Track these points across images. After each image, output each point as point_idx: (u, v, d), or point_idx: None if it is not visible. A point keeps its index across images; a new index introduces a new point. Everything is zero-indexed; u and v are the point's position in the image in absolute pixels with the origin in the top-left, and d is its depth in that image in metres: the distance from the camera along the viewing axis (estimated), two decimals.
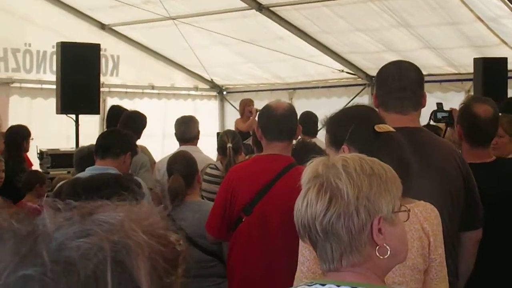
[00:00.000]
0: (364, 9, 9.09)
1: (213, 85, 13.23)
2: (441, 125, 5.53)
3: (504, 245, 3.84)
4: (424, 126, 4.28)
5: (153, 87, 12.49)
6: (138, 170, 6.06)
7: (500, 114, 4.24)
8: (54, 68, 9.32)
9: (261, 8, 9.76)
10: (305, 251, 2.46)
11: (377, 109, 3.21)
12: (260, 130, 4.18)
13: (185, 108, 11.80)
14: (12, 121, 8.69)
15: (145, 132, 6.94)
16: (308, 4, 9.37)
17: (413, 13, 8.95)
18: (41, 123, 9.78)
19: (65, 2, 11.04)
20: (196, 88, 13.14)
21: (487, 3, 8.26)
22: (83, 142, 7.13)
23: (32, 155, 8.21)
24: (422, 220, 2.54)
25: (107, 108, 8.85)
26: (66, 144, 9.32)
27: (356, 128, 2.64)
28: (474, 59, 7.99)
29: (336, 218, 1.76)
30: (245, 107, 10.60)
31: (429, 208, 2.60)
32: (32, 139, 7.74)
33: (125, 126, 6.17)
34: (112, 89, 11.81)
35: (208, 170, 5.84)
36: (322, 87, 11.65)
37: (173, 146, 6.75)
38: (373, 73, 9.36)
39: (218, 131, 10.64)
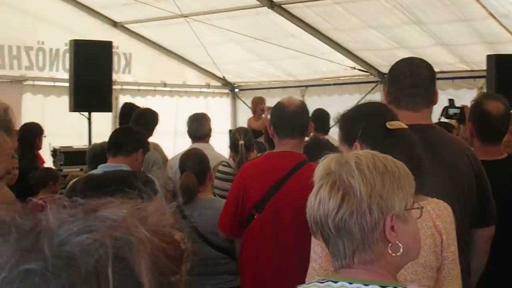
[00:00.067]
0: (376, 6, 9.07)
1: (225, 83, 13.24)
2: (453, 122, 5.51)
3: None
4: (436, 123, 4.27)
5: (165, 85, 12.51)
6: (150, 167, 6.07)
7: None
8: (67, 66, 9.37)
9: (273, 5, 9.75)
10: (317, 248, 2.47)
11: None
12: (272, 127, 4.18)
13: (197, 105, 11.81)
14: (25, 118, 8.73)
15: (157, 129, 6.96)
16: (320, 1, 9.35)
17: (425, 10, 8.92)
18: (54, 121, 9.81)
19: (78, 0, 11.07)
20: (208, 86, 13.15)
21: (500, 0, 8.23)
22: (96, 140, 7.16)
23: (45, 153, 8.25)
24: (435, 218, 2.54)
25: (120, 105, 8.88)
26: (79, 141, 9.36)
27: (367, 125, 2.64)
28: (487, 55, 7.95)
29: (349, 216, 1.76)
30: (257, 105, 10.61)
31: (442, 206, 2.59)
32: (45, 136, 7.77)
33: (137, 124, 6.19)
34: (124, 87, 11.84)
35: (220, 168, 5.85)
36: (334, 84, 11.62)
37: (185, 143, 6.77)
38: (385, 70, 9.33)
39: (230, 128, 10.65)
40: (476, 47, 9.30)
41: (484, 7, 8.41)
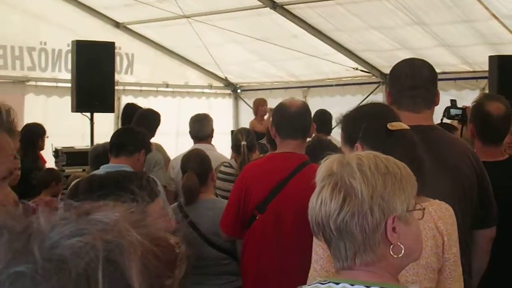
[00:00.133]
0: (378, 7, 9.07)
1: (227, 83, 13.24)
2: (455, 123, 5.50)
3: None
4: (438, 124, 4.27)
5: (167, 85, 12.52)
6: (152, 168, 6.08)
7: None
8: (69, 67, 9.38)
9: (275, 6, 9.75)
10: (318, 249, 2.47)
11: None
12: (274, 128, 4.18)
13: (199, 106, 11.83)
14: (28, 119, 8.73)
15: (159, 130, 6.96)
16: (322, 2, 9.35)
17: (428, 11, 8.92)
18: (56, 121, 9.83)
19: (80, 1, 11.08)
20: (210, 86, 13.16)
21: (502, 0, 8.22)
22: (98, 140, 7.17)
23: (47, 153, 8.26)
24: (436, 219, 2.54)
25: (122, 106, 8.89)
26: (81, 142, 9.37)
27: (369, 126, 2.64)
28: (489, 56, 7.93)
29: (350, 217, 1.75)
30: (259, 106, 10.62)
31: (444, 207, 2.59)
32: (48, 137, 7.79)
33: (139, 124, 6.19)
34: (126, 87, 11.85)
35: (222, 168, 5.85)
36: (336, 85, 11.62)
37: (187, 144, 6.77)
38: (387, 71, 9.28)
39: (232, 129, 10.65)
40: (479, 48, 9.29)
41: (486, 8, 8.41)
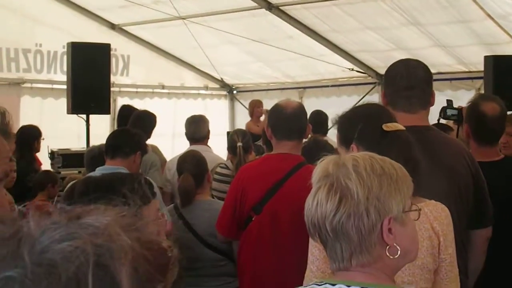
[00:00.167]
0: (374, 7, 9.07)
1: (223, 84, 13.24)
2: (451, 123, 5.51)
3: None
4: (434, 124, 4.28)
5: (163, 87, 12.51)
6: (148, 169, 6.07)
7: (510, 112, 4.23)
8: (65, 68, 9.37)
9: (270, 7, 9.75)
10: (314, 250, 2.47)
11: None
12: (270, 129, 4.18)
13: (195, 107, 11.82)
14: (23, 121, 8.73)
15: (155, 131, 6.95)
16: (318, 3, 9.35)
17: (423, 11, 8.93)
18: (52, 123, 9.82)
19: (75, 2, 11.07)
20: (206, 88, 13.16)
21: (497, 1, 8.23)
22: (94, 142, 7.15)
23: (43, 155, 8.25)
24: (432, 220, 2.54)
25: (118, 108, 8.87)
26: (77, 144, 9.35)
27: (364, 127, 2.64)
28: (485, 57, 7.94)
29: (346, 218, 1.76)
30: (254, 108, 10.62)
31: (440, 208, 2.59)
32: (43, 139, 7.78)
33: (134, 126, 6.18)
34: (122, 89, 11.84)
35: (219, 170, 5.85)
36: (332, 86, 11.63)
37: (183, 145, 6.77)
38: (383, 71, 9.27)
39: (228, 130, 10.65)
40: (474, 48, 9.31)
41: (481, 8, 8.42)
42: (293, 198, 3.73)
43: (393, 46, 9.87)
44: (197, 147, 5.92)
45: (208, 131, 6.51)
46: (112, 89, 9.33)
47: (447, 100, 5.15)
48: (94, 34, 10.74)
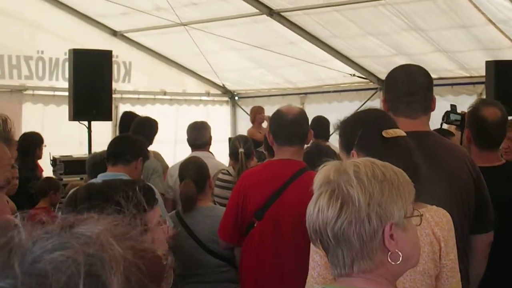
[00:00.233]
0: (375, 13, 9.08)
1: (225, 91, 13.25)
2: (453, 128, 5.51)
3: None
4: (435, 129, 4.27)
5: (165, 93, 12.52)
6: (150, 175, 6.07)
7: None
8: (67, 75, 9.37)
9: (272, 13, 9.76)
10: (315, 256, 2.47)
11: None
12: (271, 135, 4.19)
13: (197, 113, 11.83)
14: (25, 128, 8.74)
15: (157, 138, 6.96)
16: (319, 9, 9.36)
17: (424, 17, 8.93)
18: (53, 130, 9.83)
19: (77, 9, 11.09)
20: (208, 94, 13.17)
21: (499, 6, 8.24)
22: (96, 149, 7.15)
23: (45, 162, 8.25)
24: (433, 225, 2.54)
25: (120, 114, 8.88)
26: (79, 150, 9.35)
27: (364, 133, 2.64)
28: (486, 62, 7.95)
29: (347, 225, 1.75)
30: (256, 114, 10.62)
31: (441, 213, 2.59)
32: (45, 146, 7.78)
33: (136, 132, 6.19)
34: (124, 96, 11.86)
35: (220, 176, 5.85)
36: (334, 91, 11.63)
37: (185, 151, 6.76)
38: (385, 77, 9.33)
39: (230, 136, 10.65)
40: (475, 53, 9.31)
41: (483, 13, 8.42)
42: (295, 204, 3.73)
43: (395, 52, 9.88)
44: (199, 153, 5.92)
45: (210, 137, 6.51)
46: (114, 95, 9.34)
47: (451, 105, 5.15)
48: (96, 41, 10.75)
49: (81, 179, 7.24)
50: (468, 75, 10.07)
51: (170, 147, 10.96)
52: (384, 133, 2.59)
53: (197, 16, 10.41)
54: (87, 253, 0.81)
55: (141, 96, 12.14)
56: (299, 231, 3.44)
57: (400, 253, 1.78)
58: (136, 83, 12.07)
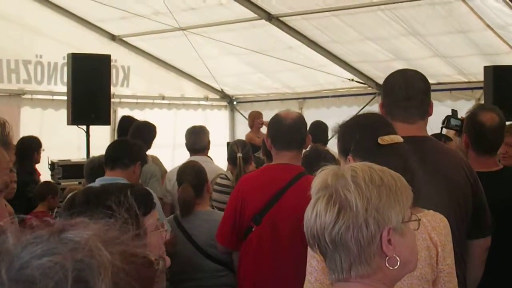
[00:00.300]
0: (373, 18, 9.09)
1: (223, 95, 13.25)
2: (451, 133, 5.50)
3: None
4: (433, 134, 4.28)
5: (163, 98, 12.52)
6: (148, 180, 6.07)
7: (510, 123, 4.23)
8: (65, 79, 9.38)
9: (270, 18, 9.77)
10: (313, 261, 2.46)
11: None
12: (270, 139, 4.19)
13: (195, 118, 11.82)
14: (24, 132, 8.74)
15: (155, 142, 6.96)
16: (318, 14, 9.37)
17: (423, 22, 8.94)
18: (52, 134, 9.82)
19: (76, 14, 11.09)
20: (206, 98, 13.17)
21: (497, 11, 8.25)
22: (94, 153, 7.15)
23: (43, 166, 8.25)
24: (430, 230, 2.54)
25: (118, 118, 8.88)
26: (77, 155, 9.36)
27: (360, 139, 2.64)
28: (484, 67, 7.96)
29: (345, 230, 1.75)
30: (254, 119, 10.62)
31: (438, 218, 2.59)
32: (43, 150, 7.78)
33: (134, 137, 6.18)
34: (122, 100, 11.85)
35: (219, 180, 5.85)
36: (332, 96, 11.64)
37: (183, 156, 6.77)
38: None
39: (228, 141, 10.65)
40: (474, 58, 9.32)
41: (481, 18, 8.43)
42: (293, 208, 3.73)
43: (393, 57, 9.89)
44: (197, 158, 5.92)
45: (208, 142, 6.51)
46: (112, 100, 9.34)
47: (452, 110, 5.13)
48: (94, 45, 10.76)
49: (79, 183, 7.23)
50: (466, 80, 10.08)
51: (169, 152, 10.95)
52: (379, 140, 2.59)
53: (195, 21, 10.41)
54: (75, 259, 0.81)
55: (139, 100, 12.14)
56: (297, 235, 3.45)
57: (398, 258, 1.78)
58: (134, 87, 12.06)
